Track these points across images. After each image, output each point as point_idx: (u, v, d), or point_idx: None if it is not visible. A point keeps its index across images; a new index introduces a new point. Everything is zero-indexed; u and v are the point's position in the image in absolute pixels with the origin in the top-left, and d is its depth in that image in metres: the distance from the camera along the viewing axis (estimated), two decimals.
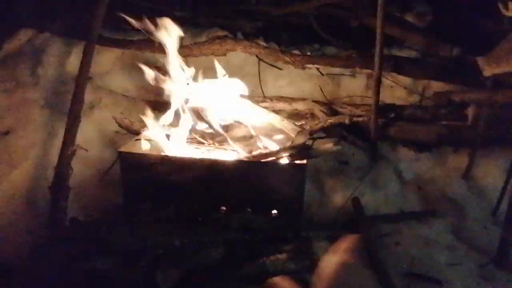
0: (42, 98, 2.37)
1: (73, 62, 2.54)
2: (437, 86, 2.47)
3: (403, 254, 1.64)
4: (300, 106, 2.37)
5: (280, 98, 2.43)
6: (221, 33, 2.86)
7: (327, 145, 1.57)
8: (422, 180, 2.11)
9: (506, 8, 1.62)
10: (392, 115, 2.24)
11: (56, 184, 1.80)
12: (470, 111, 2.18)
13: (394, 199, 2.00)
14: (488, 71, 1.81)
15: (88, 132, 2.23)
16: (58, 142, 1.91)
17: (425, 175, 2.14)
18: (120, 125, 2.04)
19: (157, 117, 1.96)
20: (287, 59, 2.38)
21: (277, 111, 2.20)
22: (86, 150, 2.10)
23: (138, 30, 2.84)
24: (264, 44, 2.70)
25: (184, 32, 1.95)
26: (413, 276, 1.55)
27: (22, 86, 2.41)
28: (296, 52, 2.64)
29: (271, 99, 2.43)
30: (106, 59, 2.69)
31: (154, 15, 1.92)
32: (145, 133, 1.87)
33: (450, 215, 1.90)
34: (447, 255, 1.66)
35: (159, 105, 2.11)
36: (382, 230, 1.78)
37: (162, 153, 1.75)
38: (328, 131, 2.22)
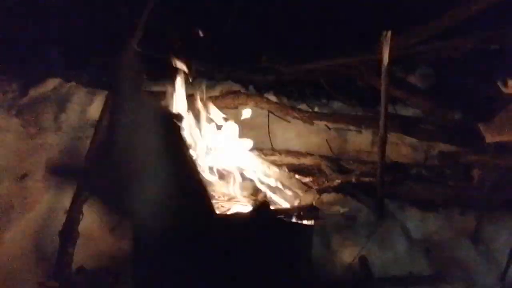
0: (62, 143, 2.48)
1: (94, 110, 2.68)
2: (442, 146, 2.53)
3: None
4: (307, 161, 2.44)
5: (288, 153, 2.51)
6: (234, 86, 3.04)
7: (334, 206, 1.60)
8: (430, 241, 2.09)
9: (505, 85, 1.72)
10: (399, 173, 2.28)
11: (66, 229, 1.83)
12: (476, 173, 2.22)
13: (403, 259, 1.97)
14: (490, 138, 1.88)
15: None
16: (72, 187, 1.97)
17: (433, 236, 2.12)
18: None
19: None
20: (296, 115, 2.50)
21: (284, 166, 2.26)
22: None
23: (156, 81, 3.04)
24: (275, 99, 2.85)
25: (200, 84, 2.09)
26: None
27: (44, 131, 2.54)
28: (304, 106, 2.77)
29: (279, 152, 2.51)
30: None
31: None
32: None
33: (459, 279, 1.86)
34: None
35: None
36: None
37: None
38: (334, 188, 2.26)
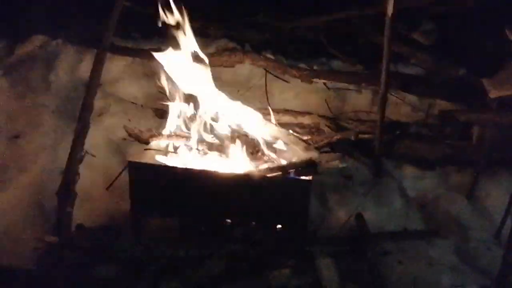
0: (53, 103, 2.41)
1: (84, 69, 2.58)
2: (442, 104, 2.50)
3: (406, 274, 1.64)
4: (306, 120, 2.40)
5: (286, 112, 2.46)
6: (230, 44, 2.91)
7: (333, 162, 1.59)
8: (426, 199, 2.12)
9: None
10: (398, 132, 2.25)
11: (63, 190, 1.82)
12: (475, 131, 2.20)
13: (398, 216, 2.01)
14: (494, 93, 1.83)
15: (96, 139, 2.25)
16: (66, 148, 1.94)
17: (429, 194, 2.15)
18: (129, 134, 2.07)
19: (165, 126, 1.99)
20: (294, 73, 2.41)
21: (282, 125, 2.22)
22: (94, 156, 2.13)
23: (148, 39, 2.91)
24: (272, 57, 2.74)
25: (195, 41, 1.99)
26: None
27: (34, 91, 2.46)
28: (303, 66, 2.68)
29: (277, 112, 2.45)
30: (116, 67, 2.74)
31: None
32: (153, 143, 1.89)
33: (454, 235, 1.90)
34: (450, 276, 1.66)
35: (167, 113, 2.15)
36: (385, 248, 1.79)
37: (170, 164, 1.77)
38: (333, 146, 2.24)
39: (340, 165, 1.58)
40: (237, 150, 1.74)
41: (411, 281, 1.59)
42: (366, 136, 2.16)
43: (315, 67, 2.80)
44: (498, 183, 2.10)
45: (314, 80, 2.44)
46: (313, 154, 1.65)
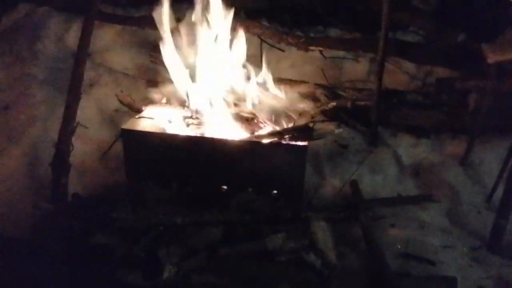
0: (41, 73, 2.34)
1: (73, 38, 2.49)
2: (440, 72, 2.47)
3: (398, 236, 1.68)
4: (301, 89, 2.36)
5: (282, 80, 2.42)
6: None
7: (330, 127, 1.58)
8: (420, 166, 2.13)
9: None
10: (394, 100, 2.24)
11: (57, 161, 1.80)
12: (472, 99, 2.19)
13: (392, 183, 2.03)
14: (492, 58, 1.81)
15: (88, 110, 2.21)
16: (57, 119, 1.89)
17: (423, 161, 2.16)
18: (121, 102, 2.03)
19: (157, 96, 1.95)
20: (290, 40, 2.35)
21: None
22: (86, 128, 2.10)
23: (137, 7, 2.79)
24: (267, 25, 2.66)
25: (186, 8, 1.91)
26: (407, 257, 1.59)
27: (21, 61, 2.38)
28: (299, 33, 2.60)
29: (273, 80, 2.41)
30: (105, 36, 2.65)
31: None
32: (146, 111, 1.86)
33: (446, 200, 1.93)
34: (441, 237, 1.71)
35: (159, 84, 2.10)
36: (379, 213, 1.82)
37: (164, 131, 1.75)
38: (329, 115, 2.23)
39: (336, 131, 1.57)
40: (234, 117, 1.72)
41: (403, 243, 1.62)
42: (362, 103, 2.13)
43: (311, 35, 2.73)
44: (492, 150, 2.12)
45: (311, 48, 2.38)
46: (309, 120, 1.64)
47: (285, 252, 1.39)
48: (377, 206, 1.87)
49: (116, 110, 2.28)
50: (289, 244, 1.40)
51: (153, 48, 2.51)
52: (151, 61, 2.46)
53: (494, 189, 1.91)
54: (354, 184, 1.89)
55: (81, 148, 1.97)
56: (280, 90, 1.87)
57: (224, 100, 1.80)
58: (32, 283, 1.41)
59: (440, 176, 2.05)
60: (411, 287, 1.41)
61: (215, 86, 1.83)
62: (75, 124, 1.84)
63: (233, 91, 1.84)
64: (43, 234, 1.57)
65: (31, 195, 1.77)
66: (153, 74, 2.44)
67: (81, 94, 1.87)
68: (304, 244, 1.41)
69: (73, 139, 1.83)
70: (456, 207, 1.89)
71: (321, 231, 1.45)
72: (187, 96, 1.83)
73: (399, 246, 1.63)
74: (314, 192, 1.94)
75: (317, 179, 2.04)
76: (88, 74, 2.13)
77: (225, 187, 1.71)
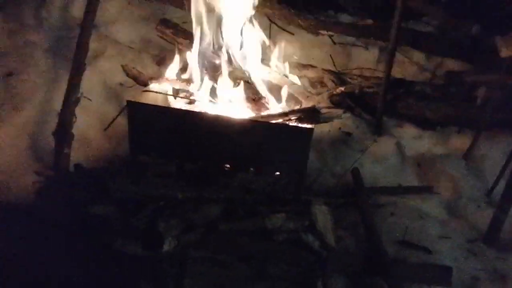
0: (46, 42, 2.30)
1: (78, 8, 2.44)
2: (450, 65, 2.43)
3: (397, 224, 1.69)
4: (309, 74, 2.33)
5: (290, 63, 2.38)
6: None
7: (336, 111, 1.56)
8: (423, 157, 2.13)
9: None
10: (402, 90, 2.21)
11: (59, 131, 1.79)
12: (481, 93, 2.16)
13: (393, 173, 2.03)
14: (506, 52, 1.77)
15: (92, 82, 2.18)
16: (61, 89, 1.88)
17: (426, 153, 2.15)
18: (127, 74, 2.00)
19: (162, 71, 1.93)
20: (301, 23, 2.31)
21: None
22: (90, 100, 2.07)
23: None
24: (278, 5, 2.60)
25: None
26: (405, 244, 1.60)
27: (26, 28, 2.33)
28: (310, 16, 2.55)
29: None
30: (111, 7, 2.59)
31: None
32: (152, 85, 1.84)
33: (446, 192, 1.94)
34: (439, 228, 1.72)
35: (166, 60, 2.07)
36: (379, 201, 1.82)
37: (170, 106, 1.73)
38: (335, 101, 2.20)
39: (343, 115, 1.55)
40: (240, 95, 1.70)
41: (401, 231, 1.63)
42: (369, 90, 2.11)
43: (322, 19, 2.68)
44: (497, 145, 2.11)
45: (321, 32, 2.34)
46: (316, 104, 1.62)
47: (283, 232, 1.40)
48: (377, 194, 1.87)
49: (121, 84, 2.25)
50: (288, 225, 1.41)
51: (160, 22, 2.47)
52: (158, 35, 2.42)
53: (495, 184, 1.91)
54: (355, 172, 1.89)
55: (84, 120, 1.95)
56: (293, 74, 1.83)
57: (233, 78, 1.77)
58: (31, 250, 1.41)
59: (442, 168, 2.04)
60: (406, 273, 1.43)
61: (224, 64, 1.80)
62: (79, 95, 1.83)
63: (242, 71, 1.81)
64: (43, 202, 1.57)
65: (32, 164, 1.76)
66: (159, 49, 2.41)
67: (85, 65, 1.85)
68: (304, 225, 1.41)
69: (76, 110, 1.82)
70: (456, 200, 1.90)
71: (322, 214, 1.45)
72: (196, 73, 1.80)
73: (397, 234, 1.64)
74: (315, 178, 1.94)
75: (318, 165, 2.03)
76: (93, 45, 2.08)
77: (227, 165, 1.70)
